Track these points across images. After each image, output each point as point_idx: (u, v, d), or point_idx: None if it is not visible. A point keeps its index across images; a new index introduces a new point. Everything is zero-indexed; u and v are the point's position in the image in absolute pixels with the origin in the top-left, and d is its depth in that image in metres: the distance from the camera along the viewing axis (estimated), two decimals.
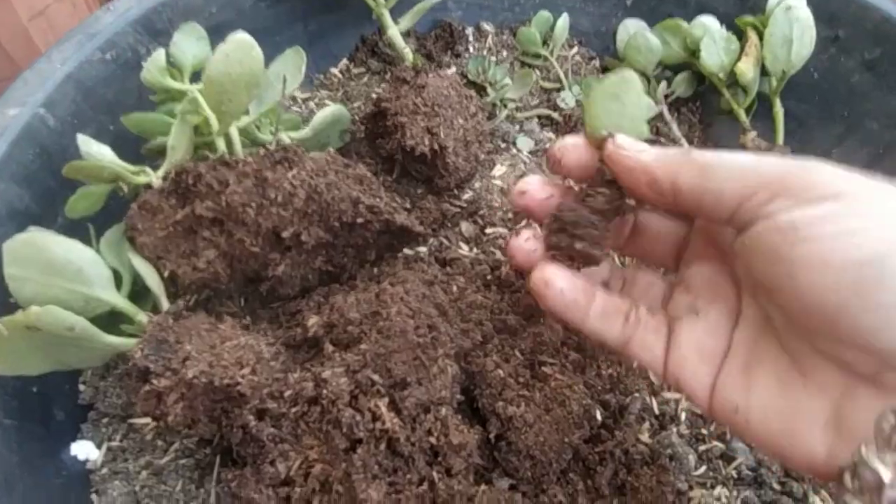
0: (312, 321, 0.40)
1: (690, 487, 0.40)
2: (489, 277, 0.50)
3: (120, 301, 0.34)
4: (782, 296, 0.25)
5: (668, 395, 0.45)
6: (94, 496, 0.35)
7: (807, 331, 0.25)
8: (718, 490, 0.40)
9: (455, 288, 0.48)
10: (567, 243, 0.31)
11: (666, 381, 0.32)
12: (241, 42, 0.36)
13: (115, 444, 0.37)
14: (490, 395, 0.40)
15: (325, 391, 0.35)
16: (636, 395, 0.45)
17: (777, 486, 0.41)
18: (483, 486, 0.36)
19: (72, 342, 0.32)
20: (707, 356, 0.30)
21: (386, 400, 0.35)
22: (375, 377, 0.35)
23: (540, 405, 0.40)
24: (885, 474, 0.21)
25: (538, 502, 0.37)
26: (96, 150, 0.35)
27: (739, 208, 0.26)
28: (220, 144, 0.40)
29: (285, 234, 0.40)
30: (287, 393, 0.37)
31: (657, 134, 0.65)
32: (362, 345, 0.36)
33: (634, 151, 0.29)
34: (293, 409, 0.36)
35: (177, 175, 0.35)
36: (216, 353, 0.32)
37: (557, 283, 0.32)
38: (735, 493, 0.41)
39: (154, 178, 0.36)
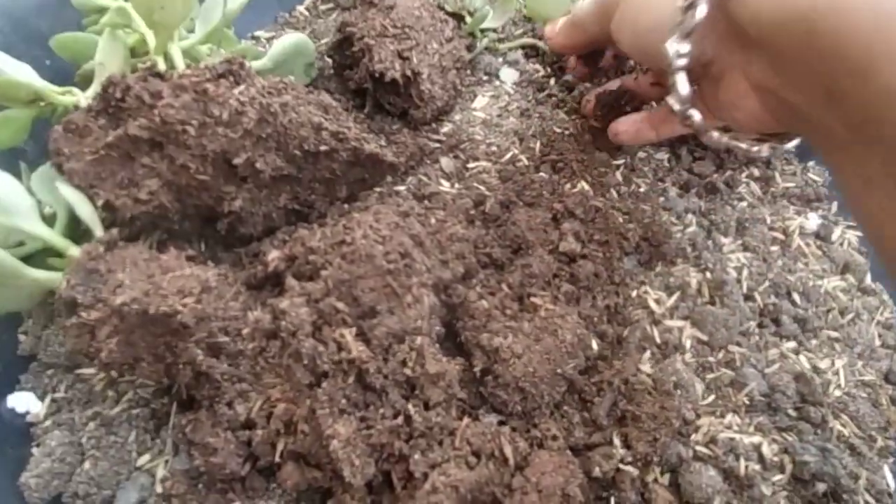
0: (273, 255, 0.37)
1: (698, 416, 0.37)
2: (473, 212, 0.46)
3: (46, 232, 0.30)
4: None
5: (670, 322, 0.41)
6: (34, 449, 0.32)
7: None
8: (729, 418, 0.37)
9: (433, 220, 0.44)
10: (618, 113, 0.47)
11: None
12: None
13: (59, 395, 0.34)
14: (473, 326, 0.37)
15: (283, 323, 0.31)
16: (636, 324, 0.41)
17: (793, 412, 0.38)
18: (466, 420, 0.32)
19: None
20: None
21: (353, 330, 0.31)
22: (340, 305, 0.32)
23: (529, 335, 0.36)
24: None
25: (530, 437, 0.34)
26: (12, 67, 0.31)
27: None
28: (161, 66, 0.36)
29: (237, 161, 0.36)
30: (245, 331, 0.33)
31: None
32: (324, 272, 0.33)
33: (553, 35, 0.45)
34: (250, 346, 0.32)
35: (104, 90, 0.31)
36: (153, 282, 0.29)
37: (622, 127, 0.46)
38: (748, 419, 0.37)
39: (82, 98, 0.32)
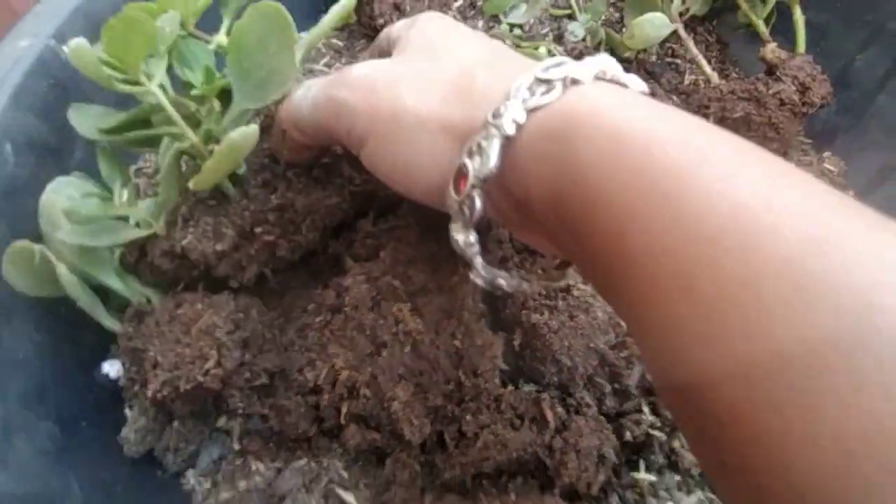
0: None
1: None
2: None
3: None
4: None
5: None
6: (127, 411, 0.36)
7: None
8: None
9: None
10: None
11: None
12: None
13: None
14: (513, 304, 0.40)
15: (346, 298, 0.35)
16: None
17: None
18: (510, 387, 0.35)
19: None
20: None
21: (408, 305, 0.35)
22: (396, 283, 0.35)
23: (564, 312, 0.39)
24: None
25: (566, 405, 0.37)
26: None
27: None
28: None
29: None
30: (310, 306, 0.37)
31: (672, 55, 0.63)
32: (382, 253, 0.36)
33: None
34: (317, 319, 0.36)
35: None
36: (179, 352, 0.31)
37: None
38: None
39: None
